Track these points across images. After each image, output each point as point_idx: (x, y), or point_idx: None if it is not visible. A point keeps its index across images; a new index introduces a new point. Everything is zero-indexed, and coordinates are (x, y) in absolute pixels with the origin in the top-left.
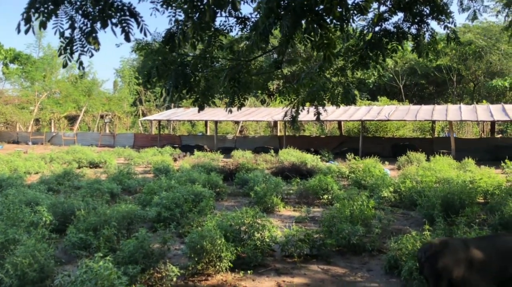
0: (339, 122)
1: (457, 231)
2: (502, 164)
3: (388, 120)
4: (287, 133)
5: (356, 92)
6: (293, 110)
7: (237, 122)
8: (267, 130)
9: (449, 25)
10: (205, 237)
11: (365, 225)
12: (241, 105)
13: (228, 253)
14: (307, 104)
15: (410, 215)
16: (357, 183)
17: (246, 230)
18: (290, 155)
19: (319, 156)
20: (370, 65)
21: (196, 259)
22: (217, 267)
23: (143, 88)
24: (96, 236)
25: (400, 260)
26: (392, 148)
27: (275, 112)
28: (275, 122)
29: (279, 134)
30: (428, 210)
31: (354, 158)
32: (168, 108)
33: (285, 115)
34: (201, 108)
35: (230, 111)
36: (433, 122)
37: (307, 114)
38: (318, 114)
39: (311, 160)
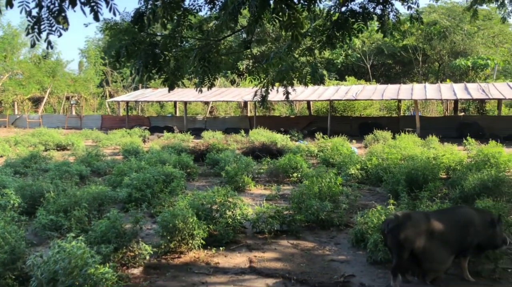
0: (308, 102)
1: (420, 205)
2: (464, 141)
3: (356, 99)
4: (257, 114)
5: (324, 72)
6: (263, 89)
7: (207, 103)
8: (238, 110)
9: (412, 5)
10: (177, 216)
11: (333, 201)
12: (211, 85)
13: (200, 231)
14: (277, 84)
15: (376, 191)
16: (325, 161)
17: (218, 208)
18: (261, 135)
19: (289, 136)
20: (337, 45)
21: (168, 237)
22: (190, 244)
23: (111, 69)
24: (67, 217)
25: (366, 233)
26: (359, 127)
27: (245, 92)
28: (245, 103)
29: (249, 114)
30: (393, 186)
31: (323, 137)
32: (136, 89)
33: (255, 95)
34: (171, 88)
35: (201, 91)
36: (399, 101)
37: (276, 94)
38: (287, 93)
39: (281, 140)
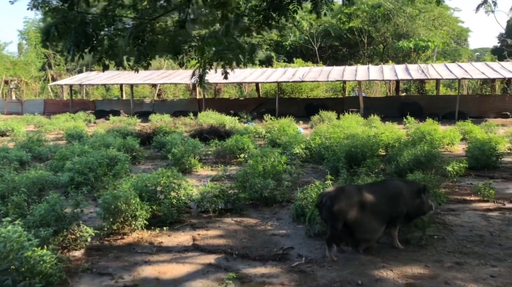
0: (257, 84)
1: (357, 180)
2: (405, 120)
3: (302, 81)
4: (206, 96)
5: (273, 54)
6: (200, 69)
7: (154, 86)
8: (187, 93)
9: None
10: (119, 197)
11: (276, 179)
12: (148, 65)
13: (144, 212)
14: (216, 65)
15: (318, 169)
16: (272, 142)
17: (162, 190)
18: (209, 118)
19: (237, 118)
20: (273, 26)
21: (111, 219)
22: (133, 225)
23: (53, 51)
24: (4, 203)
25: (305, 208)
26: (306, 108)
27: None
28: (194, 85)
29: (198, 97)
30: (334, 163)
31: (271, 119)
32: (80, 72)
33: (193, 75)
34: (105, 68)
35: (137, 71)
36: (344, 82)
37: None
38: (225, 73)
39: (229, 122)
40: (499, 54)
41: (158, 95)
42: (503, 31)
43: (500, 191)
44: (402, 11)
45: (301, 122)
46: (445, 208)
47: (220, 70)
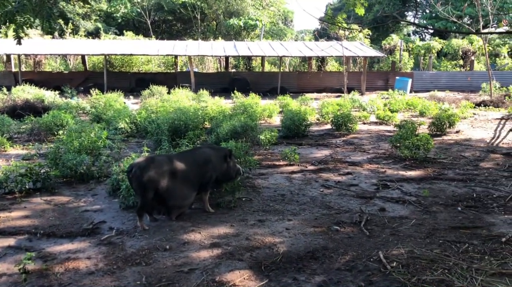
0: (83, 56)
1: (178, 151)
2: (233, 94)
3: (131, 54)
4: (24, 69)
5: (100, 25)
6: None
7: None
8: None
9: None
10: None
11: (95, 155)
12: None
13: None
14: (7, 28)
15: (143, 143)
16: (97, 117)
17: None
18: (26, 93)
19: (58, 93)
20: None
21: None
22: None
23: None
24: None
25: (121, 181)
26: (136, 82)
27: (8, 44)
28: (8, 56)
29: (13, 69)
30: (158, 136)
31: (97, 94)
32: None
33: None
34: None
35: None
36: (176, 57)
37: (42, 47)
38: (18, 38)
39: (48, 97)
40: (319, 35)
41: None
42: (323, 15)
43: (305, 156)
44: None
45: (131, 97)
46: (256, 172)
47: (39, 39)
